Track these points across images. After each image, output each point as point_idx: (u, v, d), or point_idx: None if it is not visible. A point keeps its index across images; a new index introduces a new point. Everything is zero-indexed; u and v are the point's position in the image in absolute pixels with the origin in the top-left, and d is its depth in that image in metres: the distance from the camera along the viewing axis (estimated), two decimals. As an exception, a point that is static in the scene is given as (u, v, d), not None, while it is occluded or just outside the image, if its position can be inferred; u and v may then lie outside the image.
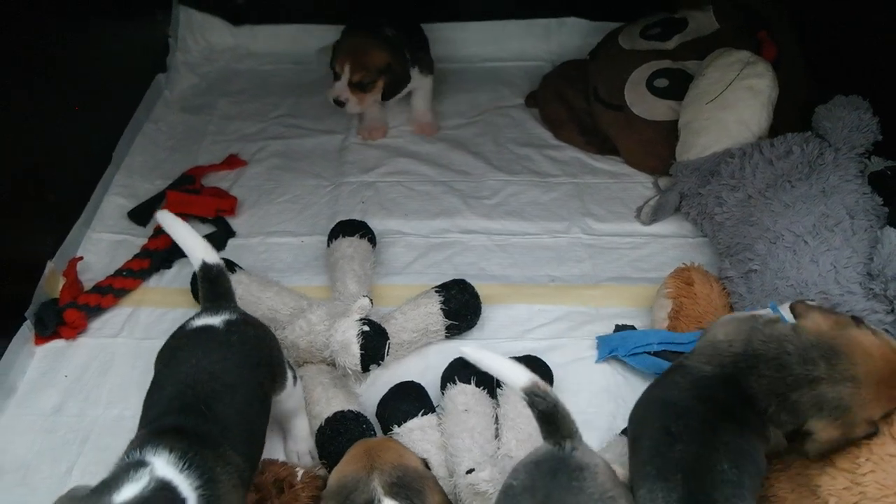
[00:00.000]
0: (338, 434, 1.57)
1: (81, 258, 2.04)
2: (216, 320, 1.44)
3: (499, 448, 1.52)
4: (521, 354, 1.69)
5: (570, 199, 2.25)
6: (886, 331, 1.55)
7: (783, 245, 1.72)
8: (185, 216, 2.11)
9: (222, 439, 1.25)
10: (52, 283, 1.95)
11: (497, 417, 1.60)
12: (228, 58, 2.83)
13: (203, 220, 2.14)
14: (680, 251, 2.05)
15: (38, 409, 1.76)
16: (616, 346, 1.76)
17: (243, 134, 2.51)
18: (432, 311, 1.77)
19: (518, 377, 1.28)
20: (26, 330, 1.86)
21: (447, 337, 1.81)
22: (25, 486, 1.62)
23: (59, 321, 1.87)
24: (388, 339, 1.66)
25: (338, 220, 2.04)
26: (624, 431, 1.54)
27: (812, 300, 1.52)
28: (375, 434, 1.61)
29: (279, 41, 2.84)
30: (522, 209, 2.22)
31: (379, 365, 1.66)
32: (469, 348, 1.34)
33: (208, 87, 2.73)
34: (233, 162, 2.38)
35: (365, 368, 1.63)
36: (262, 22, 2.83)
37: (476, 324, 1.86)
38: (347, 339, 1.61)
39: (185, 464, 1.17)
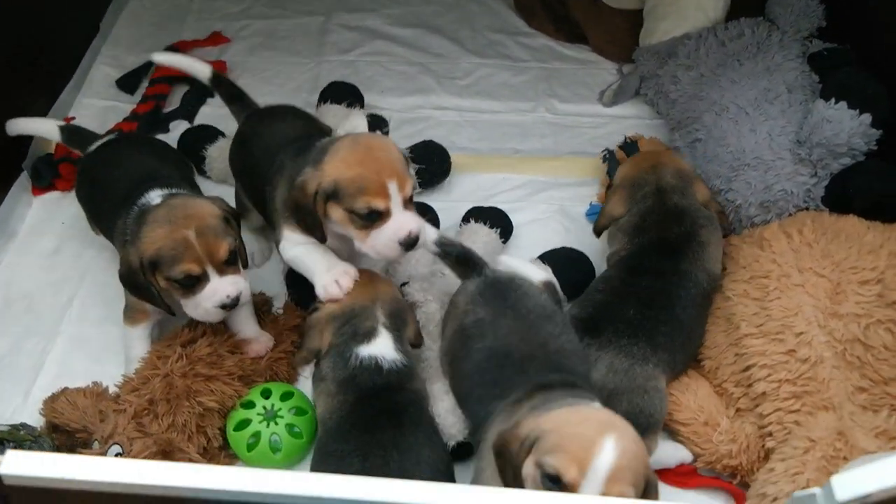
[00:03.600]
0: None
1: (73, 118, 2.16)
2: None
3: (433, 270, 1.70)
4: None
5: (538, 81, 2.37)
6: (809, 191, 1.74)
7: (727, 117, 1.87)
8: (176, 78, 2.25)
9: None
10: (46, 139, 2.07)
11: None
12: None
13: (189, 82, 2.25)
14: (637, 131, 2.18)
15: (39, 250, 1.92)
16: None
17: (226, 13, 2.59)
18: None
19: (429, 233, 1.47)
20: (24, 181, 2.00)
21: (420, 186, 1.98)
22: (31, 314, 1.79)
23: (55, 174, 2.00)
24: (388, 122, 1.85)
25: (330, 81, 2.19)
26: (540, 257, 1.78)
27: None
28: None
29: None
30: (492, 90, 2.34)
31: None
32: None
33: (192, -34, 2.78)
34: (216, 39, 2.47)
35: None
36: None
37: (446, 171, 2.03)
38: (357, 123, 1.81)
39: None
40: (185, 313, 1.50)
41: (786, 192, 1.72)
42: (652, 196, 1.67)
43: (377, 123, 1.84)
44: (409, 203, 1.42)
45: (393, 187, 1.38)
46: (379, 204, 1.37)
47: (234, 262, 1.46)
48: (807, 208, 1.73)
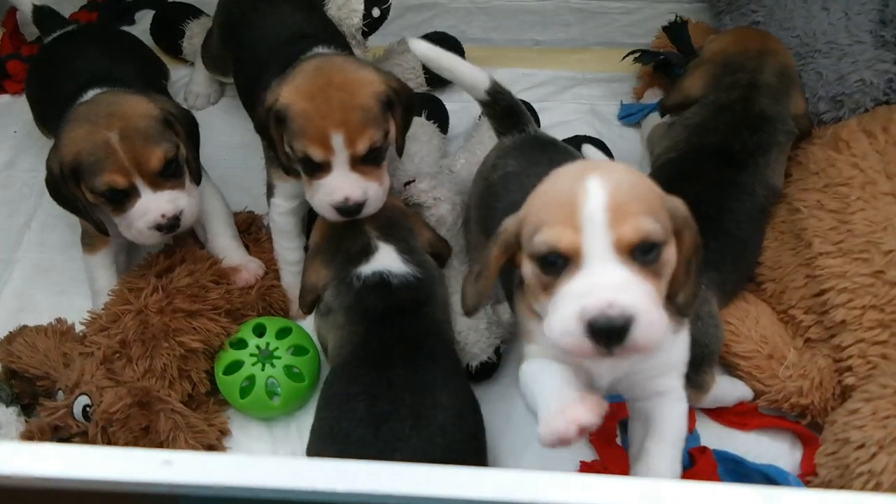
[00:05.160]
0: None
1: (17, 10, 1.84)
2: None
3: (441, 166, 1.48)
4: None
5: (559, -41, 2.06)
6: (891, 81, 1.48)
7: (792, -7, 1.58)
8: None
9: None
10: (-11, 33, 1.78)
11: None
12: None
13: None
14: (677, 15, 1.91)
15: (-11, 165, 1.66)
16: (635, 113, 1.71)
17: None
18: (405, 50, 1.69)
19: (479, 77, 1.23)
20: (-34, 83, 1.71)
21: (428, 84, 1.74)
22: (-17, 239, 1.56)
23: (3, 74, 1.73)
24: None
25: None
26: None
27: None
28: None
29: None
30: (507, -30, 2.04)
31: (381, 16, 1.53)
32: (424, 45, 1.23)
33: None
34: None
35: (367, 14, 1.51)
36: None
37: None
38: None
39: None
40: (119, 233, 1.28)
41: (864, 83, 1.46)
42: (740, 90, 1.41)
43: None
44: (360, 163, 1.16)
45: (338, 141, 1.13)
46: (315, 154, 1.15)
47: (176, 174, 1.22)
48: (887, 102, 1.47)
